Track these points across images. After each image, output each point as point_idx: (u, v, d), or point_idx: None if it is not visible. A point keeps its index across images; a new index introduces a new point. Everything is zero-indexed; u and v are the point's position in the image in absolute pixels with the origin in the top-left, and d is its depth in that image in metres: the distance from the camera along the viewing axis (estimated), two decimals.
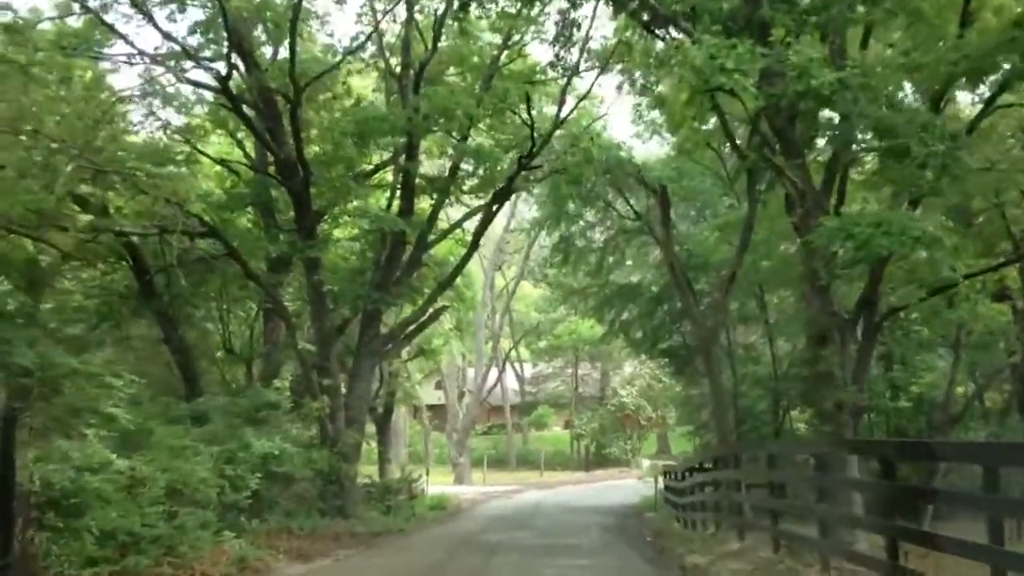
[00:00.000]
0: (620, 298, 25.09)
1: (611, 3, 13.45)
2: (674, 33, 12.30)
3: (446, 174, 18.54)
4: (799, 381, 21.90)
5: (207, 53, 14.67)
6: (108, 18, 13.64)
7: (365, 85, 19.48)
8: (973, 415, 21.15)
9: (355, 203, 16.34)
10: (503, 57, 18.00)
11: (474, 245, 18.55)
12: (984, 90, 12.98)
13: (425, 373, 43.50)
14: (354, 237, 18.77)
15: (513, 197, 38.31)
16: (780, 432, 21.72)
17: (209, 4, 14.20)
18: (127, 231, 13.63)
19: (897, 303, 14.77)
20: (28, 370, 9.27)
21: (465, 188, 19.09)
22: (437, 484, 30.29)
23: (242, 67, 14.74)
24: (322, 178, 16.61)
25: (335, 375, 16.20)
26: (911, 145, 9.15)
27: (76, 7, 13.64)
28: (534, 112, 17.28)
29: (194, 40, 14.34)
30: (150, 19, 13.62)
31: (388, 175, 19.18)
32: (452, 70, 19.13)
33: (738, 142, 14.36)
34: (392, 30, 17.87)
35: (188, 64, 14.14)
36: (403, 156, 17.29)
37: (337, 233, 18.26)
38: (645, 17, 12.43)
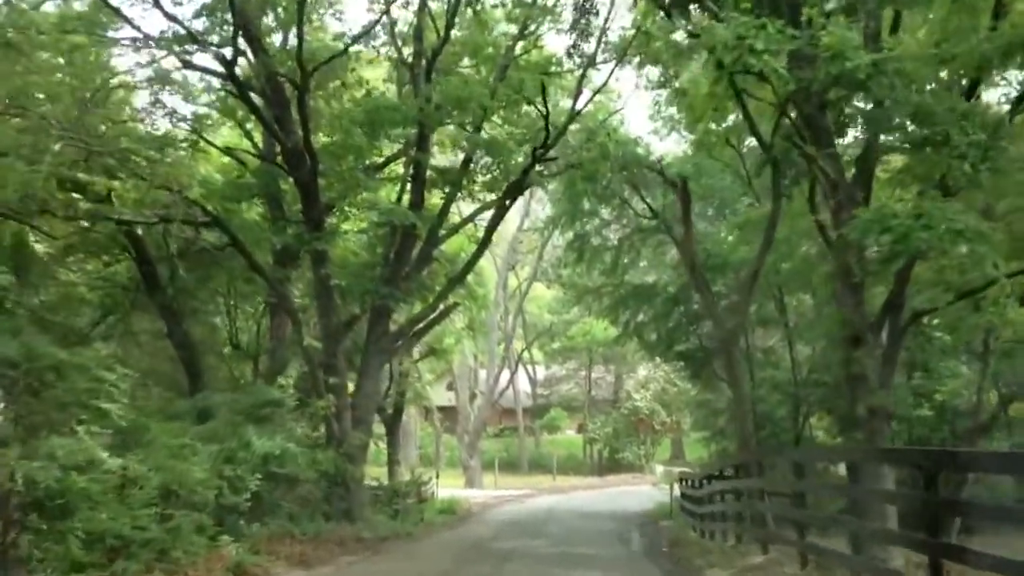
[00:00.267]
0: (635, 299, 24.50)
1: None
2: (696, 18, 11.77)
3: (458, 167, 17.99)
4: (820, 387, 21.43)
5: (214, 39, 14.19)
6: (113, 1, 13.22)
7: (376, 76, 19.02)
8: (997, 424, 20.49)
9: (364, 195, 15.80)
10: (518, 47, 17.47)
11: (486, 240, 18.00)
12: (1012, 88, 12.43)
13: (437, 374, 43.03)
14: (363, 230, 18.26)
15: (527, 195, 38.07)
16: (800, 439, 21.15)
17: None
18: (127, 219, 13.16)
19: (923, 307, 14.16)
20: (14, 362, 8.80)
21: (478, 182, 18.54)
22: (447, 487, 29.78)
23: (249, 53, 14.28)
24: (331, 170, 16.14)
25: (342, 373, 15.69)
26: (951, 133, 8.54)
27: None
28: (550, 104, 16.75)
29: (200, 24, 13.85)
30: (155, 1, 13.18)
31: (399, 167, 18.69)
32: (466, 61, 18.65)
33: (762, 138, 13.77)
34: (404, 17, 17.40)
35: (194, 49, 13.62)
36: (414, 148, 16.76)
37: (346, 226, 17.71)
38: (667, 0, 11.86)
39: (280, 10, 14.36)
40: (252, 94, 15.28)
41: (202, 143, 16.09)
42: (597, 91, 17.96)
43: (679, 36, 14.14)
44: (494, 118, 18.69)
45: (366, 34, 15.84)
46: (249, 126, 18.07)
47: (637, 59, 17.92)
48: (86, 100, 10.86)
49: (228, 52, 13.85)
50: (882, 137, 10.80)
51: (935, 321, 18.00)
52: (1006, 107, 11.75)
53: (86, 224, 12.77)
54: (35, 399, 9.12)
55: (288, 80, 14.21)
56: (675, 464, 39.43)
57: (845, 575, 8.35)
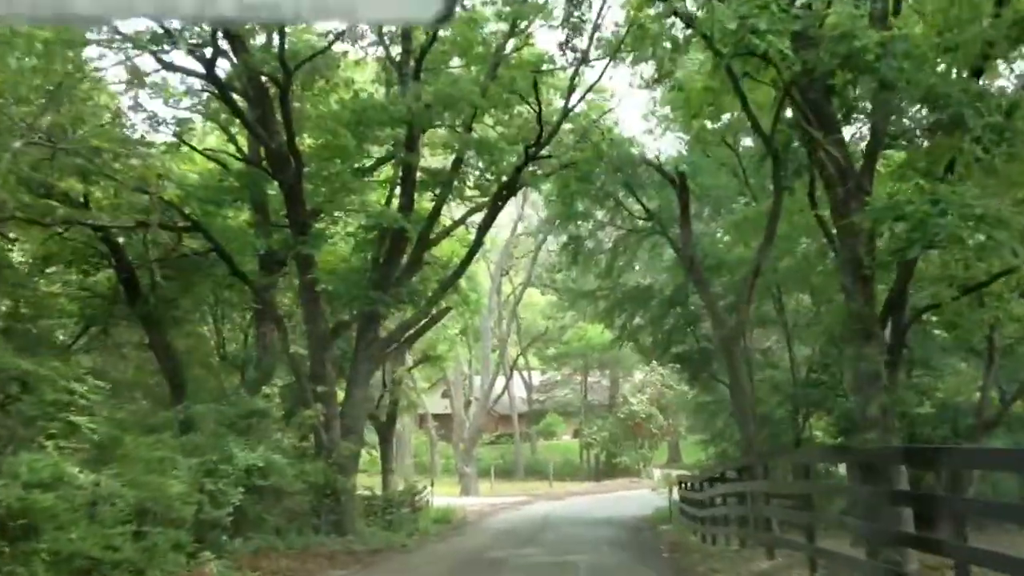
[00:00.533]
0: (631, 301, 24.14)
1: None
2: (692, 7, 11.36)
3: (449, 169, 17.54)
4: (819, 387, 21.05)
5: (193, 38, 13.73)
6: None
7: (364, 79, 18.61)
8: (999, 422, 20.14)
9: (353, 198, 15.34)
10: (509, 45, 17.06)
11: (478, 242, 17.56)
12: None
13: (431, 382, 42.55)
14: (351, 233, 17.78)
15: (520, 199, 37.77)
16: (800, 440, 20.76)
17: None
18: (103, 225, 12.67)
19: (926, 303, 13.76)
20: None
21: (469, 183, 18.10)
22: (443, 495, 29.30)
23: (230, 52, 13.81)
24: (318, 174, 15.68)
25: (331, 381, 15.21)
26: (966, 115, 8.12)
27: None
28: (543, 103, 16.34)
29: (178, 22, 13.36)
30: None
31: (388, 170, 18.24)
32: (456, 61, 18.24)
33: (762, 130, 13.37)
34: None
35: (171, 47, 13.16)
36: (403, 149, 16.32)
37: (334, 230, 17.24)
38: None
39: None
40: (234, 96, 14.84)
41: (183, 147, 15.57)
42: (590, 87, 17.56)
43: (675, 30, 13.81)
44: (486, 119, 18.30)
45: (350, 31, 15.40)
46: (234, 130, 17.62)
47: (630, 56, 17.62)
48: (55, 98, 10.35)
49: (208, 51, 13.41)
50: (893, 119, 10.36)
51: (934, 318, 17.65)
52: (1016, 91, 11.42)
53: (60, 230, 12.23)
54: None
55: (271, 79, 13.76)
56: (672, 468, 39.00)
57: None
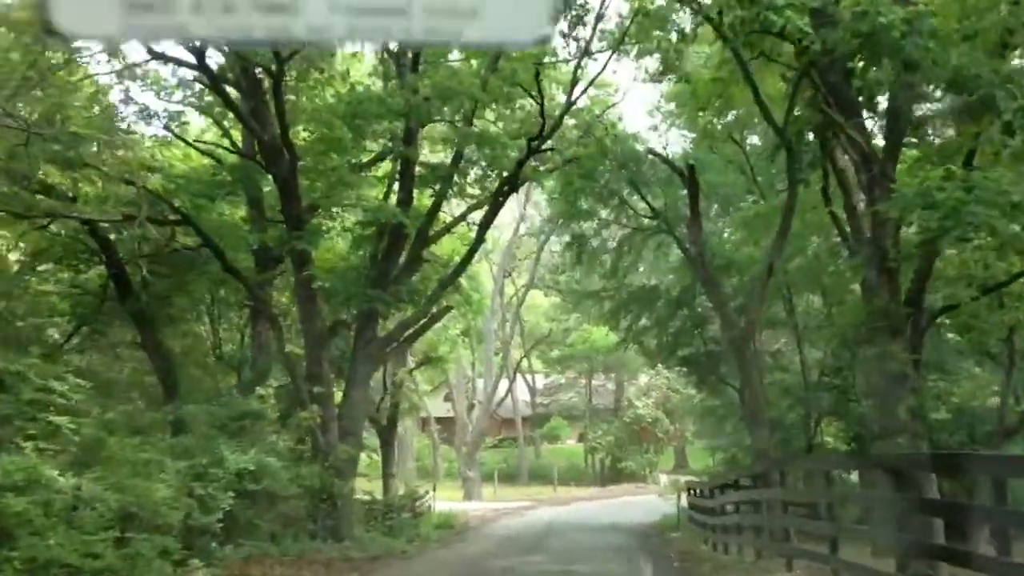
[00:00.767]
0: (637, 302, 23.64)
1: None
2: None
3: (449, 164, 17.07)
4: (832, 391, 20.51)
5: None
6: None
7: (362, 73, 18.17)
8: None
9: (349, 193, 14.86)
10: None
11: (479, 238, 17.06)
12: None
13: (434, 385, 42.07)
14: (347, 228, 17.30)
15: (522, 198, 37.32)
16: (812, 446, 20.24)
17: None
18: (89, 218, 12.20)
19: (940, 304, 13.22)
20: None
21: (470, 179, 17.62)
22: (445, 500, 28.80)
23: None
24: (314, 168, 15.21)
25: (328, 382, 14.73)
26: (997, 97, 7.63)
27: None
28: (545, 98, 15.84)
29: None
30: None
31: (386, 166, 17.77)
32: (456, 55, 17.80)
33: (774, 122, 12.88)
34: None
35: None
36: (401, 143, 15.85)
37: (330, 225, 16.75)
38: None
39: None
40: (227, 88, 14.40)
41: (174, 140, 15.12)
42: (593, 79, 17.08)
43: (682, 15, 13.35)
44: (487, 114, 17.84)
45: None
46: (228, 125, 17.20)
47: (635, 49, 17.16)
48: (31, 83, 9.89)
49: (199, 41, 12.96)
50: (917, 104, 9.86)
51: (947, 321, 17.13)
52: None
53: (44, 223, 11.77)
54: None
55: (264, 70, 13.30)
56: (679, 473, 38.46)
57: None
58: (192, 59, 13.41)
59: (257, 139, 14.14)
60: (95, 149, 10.69)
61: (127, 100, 14.58)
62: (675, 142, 21.30)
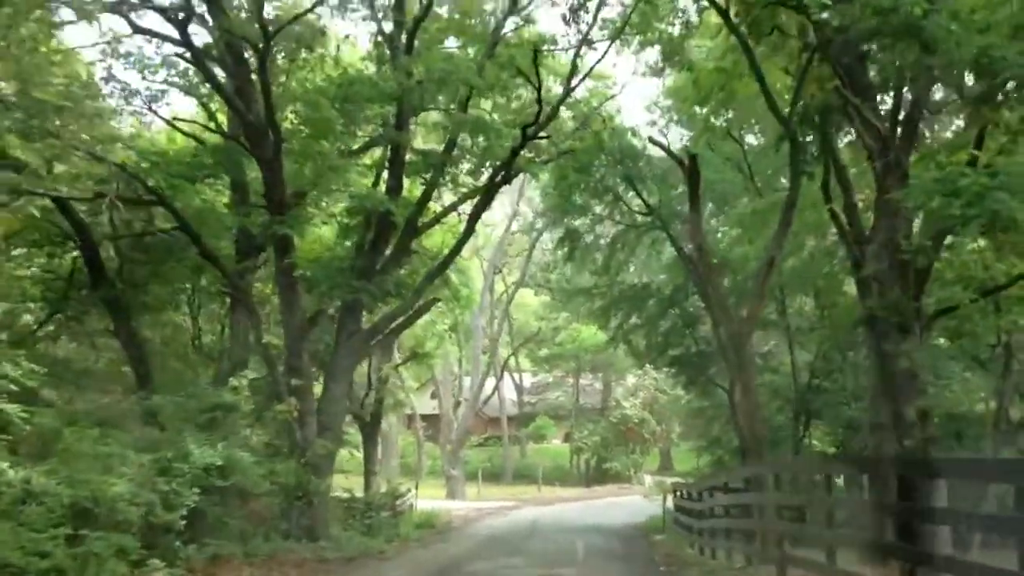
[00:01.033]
0: (628, 300, 23.19)
1: None
2: None
3: (441, 151, 16.52)
4: (822, 393, 20.19)
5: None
6: None
7: (355, 58, 17.63)
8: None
9: (337, 178, 14.31)
10: (509, 24, 16.09)
11: (469, 229, 16.53)
12: None
13: (421, 382, 41.58)
14: (332, 214, 16.73)
15: (516, 195, 36.81)
16: (800, 448, 19.89)
17: None
18: (56, 195, 11.57)
19: (937, 306, 12.79)
20: None
21: (463, 167, 17.08)
22: (428, 498, 28.35)
23: (206, 15, 12.80)
24: (301, 153, 14.65)
25: (307, 375, 14.18)
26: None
27: None
28: (543, 90, 15.33)
29: None
30: None
31: (377, 153, 17.22)
32: (452, 42, 17.29)
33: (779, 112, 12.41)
34: None
35: (143, 8, 12.13)
36: (392, 128, 15.31)
37: (314, 211, 16.17)
38: None
39: None
40: (212, 65, 13.84)
41: (156, 122, 14.56)
42: (592, 68, 16.57)
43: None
44: (483, 104, 17.34)
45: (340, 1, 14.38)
46: (215, 108, 16.63)
47: (635, 40, 16.72)
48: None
49: (182, 14, 12.41)
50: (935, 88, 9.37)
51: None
52: None
53: (3, 199, 11.16)
54: None
55: (250, 45, 12.72)
56: (664, 474, 38.09)
57: None
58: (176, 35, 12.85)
59: (242, 119, 13.56)
60: (59, 122, 10.05)
61: (109, 78, 14.06)
62: (674, 141, 20.83)
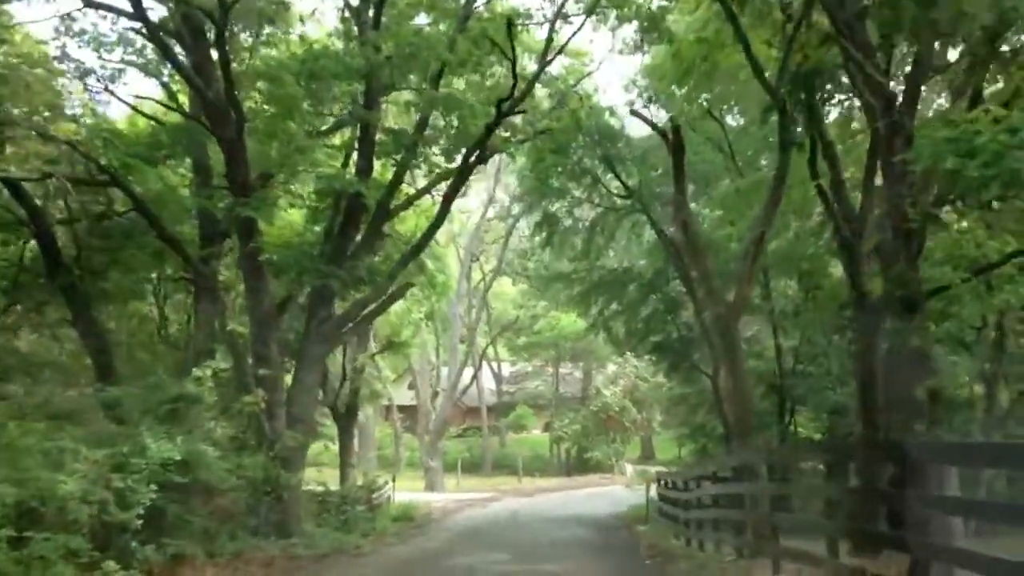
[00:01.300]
0: (608, 285, 22.73)
1: None
2: None
3: (413, 131, 15.91)
4: (807, 378, 19.88)
5: None
6: None
7: (321, 35, 16.96)
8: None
9: (303, 157, 13.67)
10: None
11: (444, 211, 15.91)
12: None
13: (398, 372, 40.99)
14: (299, 195, 16.10)
15: (492, 181, 36.23)
16: (785, 435, 19.56)
17: None
18: (2, 176, 10.87)
19: (933, 285, 12.43)
20: None
21: (436, 150, 16.48)
22: (406, 491, 27.80)
23: None
24: (267, 133, 14.00)
25: (276, 364, 13.56)
26: None
27: None
28: (517, 67, 14.75)
29: None
30: None
31: (346, 134, 16.58)
32: (423, 19, 16.65)
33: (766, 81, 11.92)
34: None
35: None
36: (361, 106, 14.67)
37: (282, 194, 15.54)
38: None
39: None
40: (169, 41, 13.15)
41: (114, 101, 13.83)
42: (567, 41, 16.00)
43: None
44: (456, 83, 16.73)
45: None
46: (176, 89, 15.92)
47: (614, 14, 16.19)
48: None
49: None
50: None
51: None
52: None
53: None
54: None
55: (208, 16, 12.03)
56: (645, 463, 37.80)
57: None
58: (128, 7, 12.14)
59: (202, 98, 12.89)
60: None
61: (63, 56, 13.34)
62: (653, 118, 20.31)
